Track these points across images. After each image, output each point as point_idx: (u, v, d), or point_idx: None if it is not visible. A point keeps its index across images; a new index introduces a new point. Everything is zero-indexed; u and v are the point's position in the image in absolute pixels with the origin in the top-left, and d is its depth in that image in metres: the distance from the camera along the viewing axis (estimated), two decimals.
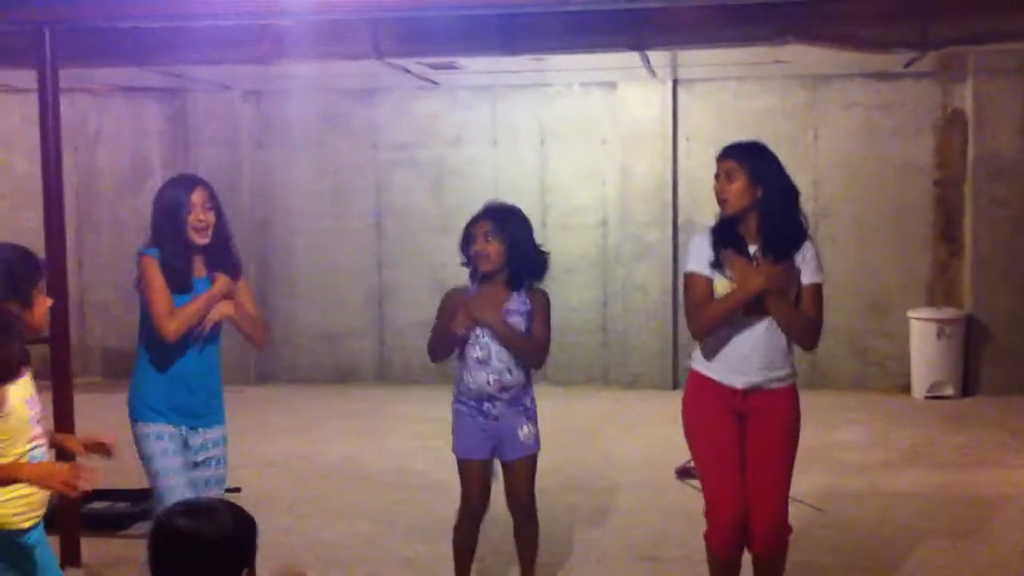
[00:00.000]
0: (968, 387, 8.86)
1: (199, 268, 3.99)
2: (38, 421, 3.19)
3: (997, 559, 5.09)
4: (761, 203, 3.78)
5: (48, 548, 3.30)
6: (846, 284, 8.98)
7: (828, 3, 5.97)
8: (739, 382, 3.83)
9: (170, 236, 3.90)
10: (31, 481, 3.03)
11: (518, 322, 4.02)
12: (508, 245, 4.01)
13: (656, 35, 6.16)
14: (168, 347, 3.90)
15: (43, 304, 3.16)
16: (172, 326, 3.82)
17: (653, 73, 8.66)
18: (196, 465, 4.00)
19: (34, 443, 3.13)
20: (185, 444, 3.98)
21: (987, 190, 8.84)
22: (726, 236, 3.83)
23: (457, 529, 4.24)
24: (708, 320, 3.81)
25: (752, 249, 3.82)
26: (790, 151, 9.18)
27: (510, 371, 4.04)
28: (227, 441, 4.13)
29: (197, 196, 3.90)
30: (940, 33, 6.07)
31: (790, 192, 3.84)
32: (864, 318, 9.17)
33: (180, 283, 3.90)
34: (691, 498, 5.92)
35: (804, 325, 3.84)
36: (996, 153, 8.81)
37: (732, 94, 9.25)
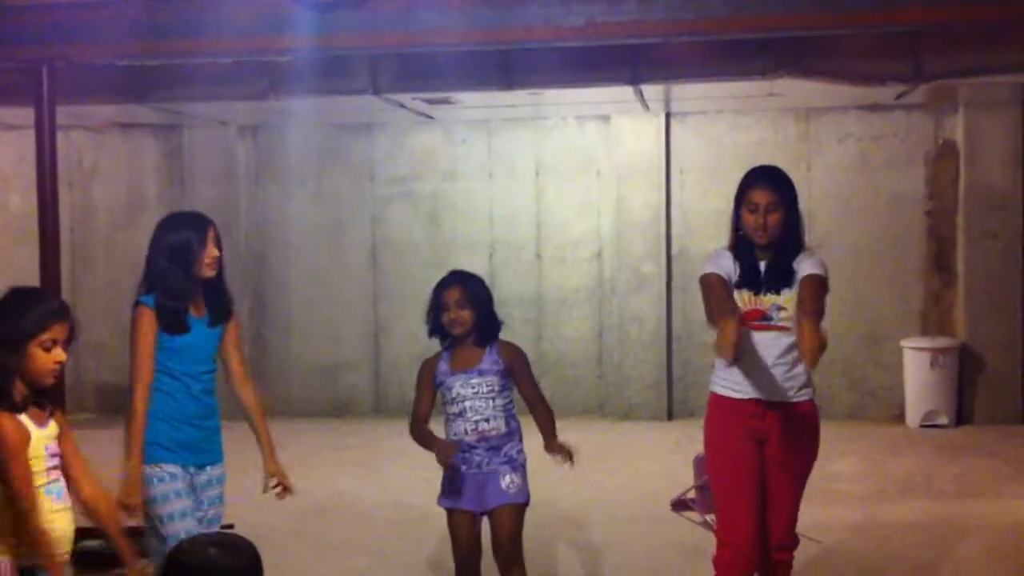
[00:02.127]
0: (962, 416, 8.87)
1: (198, 306, 3.99)
2: (59, 465, 3.23)
3: None
4: (786, 234, 3.97)
5: None
6: (840, 314, 9.01)
7: (821, 38, 6.03)
8: (759, 395, 3.90)
9: (178, 277, 3.89)
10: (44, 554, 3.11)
11: (491, 380, 4.14)
12: (476, 310, 4.19)
13: (651, 70, 6.23)
14: (169, 391, 3.92)
15: (43, 357, 3.14)
16: (136, 395, 3.83)
17: (647, 106, 8.72)
18: (200, 505, 4.00)
19: (51, 477, 3.18)
20: (191, 484, 3.98)
21: (979, 221, 8.90)
22: (744, 255, 3.97)
23: None
24: (725, 311, 3.74)
25: (763, 265, 3.95)
26: None
27: (487, 421, 4.12)
28: (226, 479, 4.13)
29: (211, 234, 3.94)
30: (932, 66, 6.14)
31: (800, 213, 4.05)
32: (858, 348, 9.20)
33: (178, 326, 3.91)
34: (687, 531, 5.92)
35: (813, 324, 3.65)
36: (988, 184, 8.87)
37: (726, 127, 9.32)
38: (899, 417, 9.01)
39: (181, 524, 3.89)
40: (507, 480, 4.14)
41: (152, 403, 3.94)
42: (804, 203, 8.96)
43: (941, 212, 9.14)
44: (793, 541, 4.04)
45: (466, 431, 4.12)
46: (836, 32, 5.79)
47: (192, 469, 3.98)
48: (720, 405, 4.01)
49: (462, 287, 4.21)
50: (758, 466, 3.93)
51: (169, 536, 3.89)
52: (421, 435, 4.19)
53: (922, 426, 8.77)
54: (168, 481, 3.91)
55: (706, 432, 4.08)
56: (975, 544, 5.73)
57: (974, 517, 6.25)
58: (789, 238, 3.95)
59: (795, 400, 3.94)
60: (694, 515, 6.07)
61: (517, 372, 4.22)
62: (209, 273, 3.94)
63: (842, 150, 9.25)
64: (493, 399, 4.13)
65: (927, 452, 7.99)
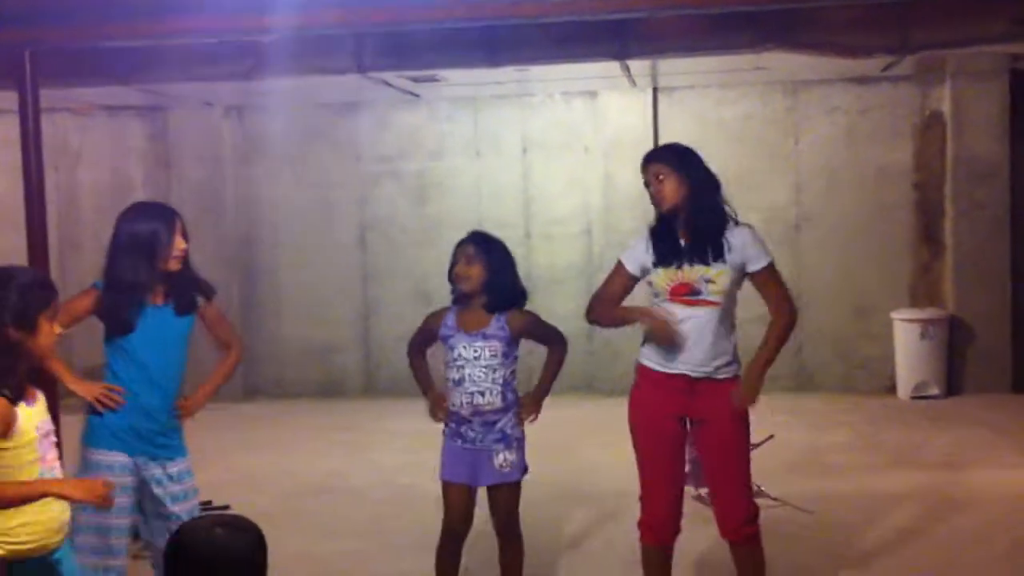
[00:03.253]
0: (952, 387, 8.92)
1: (158, 295, 3.91)
2: (54, 444, 3.18)
3: (986, 559, 5.12)
4: (689, 198, 3.98)
5: (73, 566, 3.27)
6: (829, 287, 9.04)
7: (807, 10, 6.00)
8: (685, 369, 3.94)
9: (139, 268, 3.81)
10: (60, 495, 3.03)
11: (495, 346, 4.11)
12: (488, 270, 4.13)
13: (637, 44, 6.19)
14: (134, 378, 3.86)
15: (50, 331, 3.15)
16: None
17: (633, 82, 8.70)
18: (163, 501, 3.90)
19: (46, 466, 3.12)
20: (140, 477, 3.88)
21: (966, 191, 8.92)
22: (664, 232, 4.05)
23: (440, 548, 4.28)
24: (607, 319, 4.20)
25: (683, 243, 3.99)
26: (772, 156, 9.27)
27: (482, 394, 4.09)
28: (192, 474, 4.02)
29: (179, 226, 3.88)
30: (919, 37, 6.11)
31: (712, 183, 4.04)
32: (848, 321, 9.23)
33: (122, 325, 3.84)
34: None
35: (786, 328, 4.02)
36: (975, 155, 8.88)
37: (713, 101, 9.30)
38: (890, 389, 9.05)
39: (114, 520, 3.82)
40: (500, 459, 4.14)
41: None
42: (792, 176, 9.15)
43: (929, 184, 9.16)
44: (754, 512, 4.07)
45: (461, 403, 4.10)
46: (823, 3, 5.77)
47: (143, 461, 3.89)
48: (648, 378, 4.06)
49: (475, 244, 4.18)
50: (680, 440, 4.06)
51: (85, 530, 3.76)
52: (418, 367, 4.27)
53: (913, 397, 8.81)
54: (104, 471, 3.77)
55: (631, 403, 4.12)
56: (966, 514, 5.77)
57: (965, 487, 6.29)
58: (698, 206, 3.96)
59: (720, 377, 3.96)
60: (687, 489, 6.08)
61: (533, 333, 4.22)
62: (176, 266, 3.88)
63: (830, 123, 9.24)
64: (493, 369, 4.09)
65: (918, 423, 8.03)
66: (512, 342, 4.15)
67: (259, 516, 2.45)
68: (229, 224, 9.61)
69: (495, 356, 4.10)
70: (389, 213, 9.79)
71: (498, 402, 4.12)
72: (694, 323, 3.92)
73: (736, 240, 3.95)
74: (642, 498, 4.13)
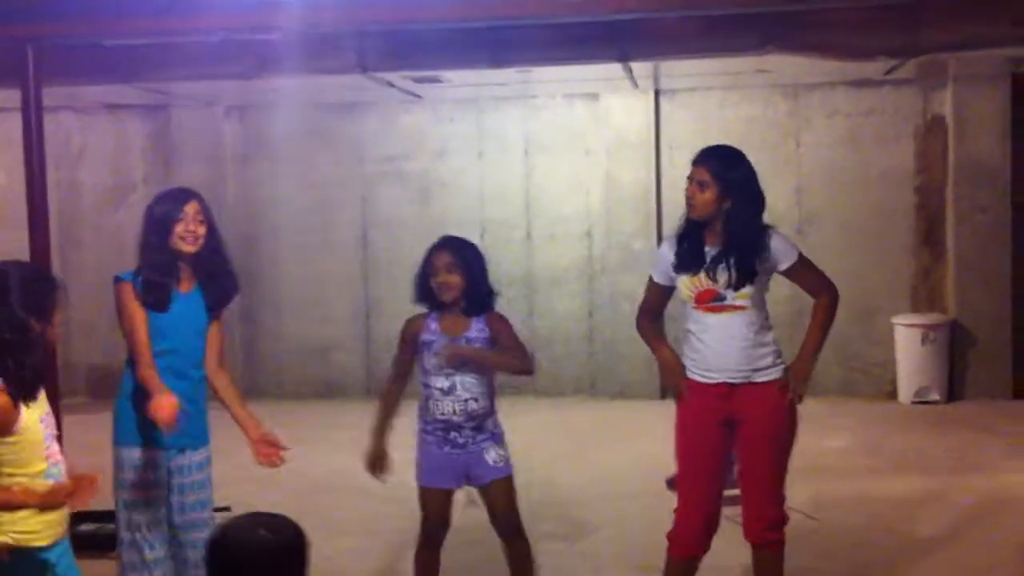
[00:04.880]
0: (954, 392, 8.90)
1: (187, 281, 3.95)
2: (54, 438, 3.17)
3: (990, 563, 5.10)
4: (728, 213, 3.89)
5: (73, 565, 3.26)
6: None
7: (809, 13, 6.00)
8: (723, 378, 3.90)
9: (156, 248, 3.87)
10: (35, 506, 3.02)
11: (479, 348, 4.07)
12: (467, 276, 4.10)
13: (640, 46, 6.20)
14: (164, 364, 3.86)
15: (59, 323, 3.15)
16: (143, 373, 3.79)
17: (635, 84, 8.70)
18: (180, 489, 3.96)
19: (51, 461, 3.12)
20: (167, 471, 3.94)
21: (968, 195, 8.91)
22: (690, 237, 3.97)
23: (417, 556, 4.25)
24: (644, 336, 4.19)
25: (709, 250, 3.91)
26: (773, 159, 9.26)
27: (476, 399, 4.07)
28: (211, 463, 4.08)
29: (190, 207, 3.89)
30: (922, 40, 6.12)
31: (755, 204, 3.94)
32: (849, 324, 9.19)
33: (157, 300, 3.87)
34: None
35: (829, 309, 4.02)
36: (976, 159, 8.88)
37: (715, 103, 9.30)
38: (891, 393, 9.04)
39: (138, 516, 3.89)
40: (493, 455, 4.12)
41: (130, 382, 3.91)
42: (793, 179, 9.15)
43: (930, 187, 9.15)
44: (781, 519, 4.03)
45: (454, 411, 4.06)
46: (827, 5, 5.77)
47: (172, 452, 3.93)
48: (692, 389, 4.00)
49: (452, 251, 4.13)
50: (723, 450, 4.00)
51: (121, 523, 3.88)
52: (392, 402, 4.21)
53: (914, 402, 8.80)
54: (140, 467, 3.88)
55: (678, 416, 4.08)
56: (967, 519, 5.75)
57: (966, 492, 6.27)
58: (733, 221, 3.86)
59: (760, 380, 3.92)
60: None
61: (501, 333, 4.11)
62: (187, 247, 3.88)
63: (831, 126, 9.23)
64: (482, 373, 4.07)
65: (919, 428, 8.02)
66: (493, 343, 4.11)
67: None
68: (229, 224, 9.57)
69: None
70: (391, 213, 9.78)
71: (488, 404, 4.12)
72: (723, 330, 3.88)
73: (765, 249, 3.90)
74: (677, 510, 4.06)
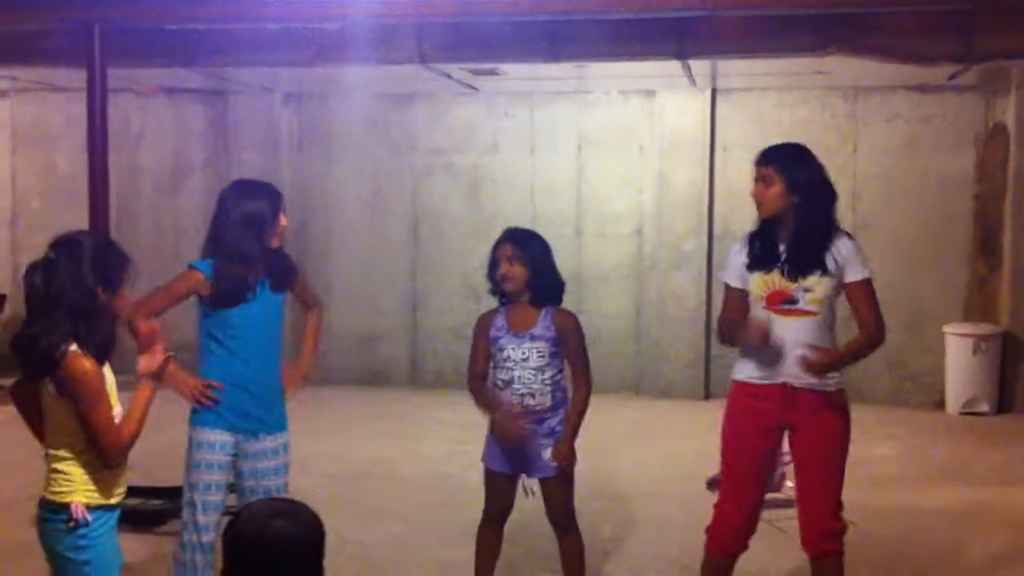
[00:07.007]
0: (1003, 404, 8.77)
1: (259, 271, 4.01)
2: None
3: None
4: (797, 208, 3.87)
5: (115, 539, 3.33)
6: (883, 297, 8.67)
7: (872, 15, 5.94)
8: (787, 379, 3.87)
9: (251, 245, 3.91)
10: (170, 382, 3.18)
11: (542, 347, 4.10)
12: (530, 267, 4.13)
13: (699, 44, 6.16)
14: (231, 351, 3.94)
15: (128, 294, 3.23)
16: (136, 317, 3.82)
17: (693, 82, 8.65)
18: (255, 474, 4.01)
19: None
20: (240, 454, 4.00)
21: None
22: (762, 236, 3.96)
23: (480, 532, 4.34)
24: (729, 341, 4.07)
25: (782, 249, 3.89)
26: (829, 162, 8.94)
27: (533, 396, 4.10)
28: (288, 450, 4.12)
29: (282, 206, 4.03)
30: (985, 46, 6.03)
31: (826, 197, 3.93)
32: (900, 332, 9.08)
33: (239, 296, 3.93)
34: None
35: (867, 345, 4.00)
36: None
37: (771, 104, 9.22)
38: (939, 403, 8.93)
39: (207, 496, 3.94)
40: (548, 453, 4.15)
41: (205, 367, 3.99)
42: (849, 183, 9.06)
43: (989, 196, 9.01)
44: (838, 527, 3.97)
45: (511, 404, 4.11)
46: (888, 9, 5.71)
47: (241, 437, 3.99)
48: (744, 392, 3.99)
49: (514, 243, 4.17)
50: (770, 454, 4.03)
51: (186, 505, 3.95)
52: (481, 394, 4.19)
53: (962, 413, 8.69)
54: (206, 450, 3.95)
55: (725, 417, 4.06)
56: (1010, 533, 5.68)
57: (1011, 506, 6.19)
58: (804, 216, 3.85)
59: (824, 390, 3.89)
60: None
61: (568, 341, 4.15)
62: (278, 243, 4.00)
63: (890, 131, 9.12)
64: (541, 370, 4.10)
65: (966, 439, 7.92)
66: (559, 342, 4.14)
67: (303, 498, 2.46)
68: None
69: (543, 357, 4.11)
70: (441, 206, 9.82)
71: (548, 402, 4.13)
72: (790, 333, 3.85)
73: (839, 250, 3.87)
74: (717, 505, 4.06)
